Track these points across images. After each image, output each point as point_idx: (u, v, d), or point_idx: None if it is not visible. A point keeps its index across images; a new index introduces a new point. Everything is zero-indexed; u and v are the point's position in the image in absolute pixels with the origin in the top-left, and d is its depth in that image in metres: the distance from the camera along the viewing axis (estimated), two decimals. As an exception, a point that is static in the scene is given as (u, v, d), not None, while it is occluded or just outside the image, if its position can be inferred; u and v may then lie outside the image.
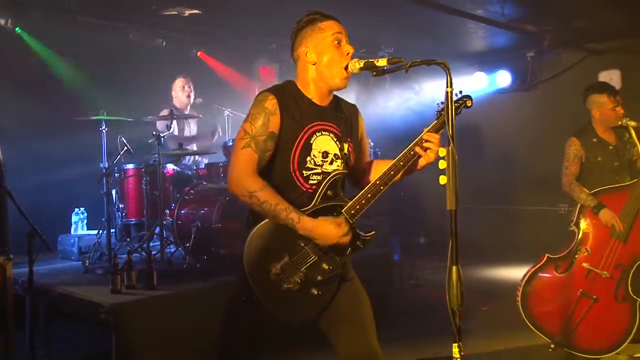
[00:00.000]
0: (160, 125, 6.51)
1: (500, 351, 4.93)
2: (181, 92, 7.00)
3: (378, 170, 2.80)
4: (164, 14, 6.85)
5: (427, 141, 2.59)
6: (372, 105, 9.12)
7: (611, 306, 4.40)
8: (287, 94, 2.63)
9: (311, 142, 2.63)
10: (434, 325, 4.75)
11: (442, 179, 2.18)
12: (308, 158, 2.62)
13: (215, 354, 2.72)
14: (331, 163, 2.67)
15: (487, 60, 9.09)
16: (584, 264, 4.44)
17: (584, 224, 4.51)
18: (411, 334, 5.16)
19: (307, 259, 2.53)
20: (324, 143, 2.66)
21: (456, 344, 2.10)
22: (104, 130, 5.99)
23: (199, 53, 8.31)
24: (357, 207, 2.59)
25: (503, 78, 8.98)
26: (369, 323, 2.71)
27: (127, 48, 7.45)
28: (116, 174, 6.16)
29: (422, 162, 2.65)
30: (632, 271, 4.41)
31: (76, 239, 6.41)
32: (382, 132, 7.79)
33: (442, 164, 2.20)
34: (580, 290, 4.43)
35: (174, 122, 6.41)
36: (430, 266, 7.62)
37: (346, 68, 2.60)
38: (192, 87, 7.05)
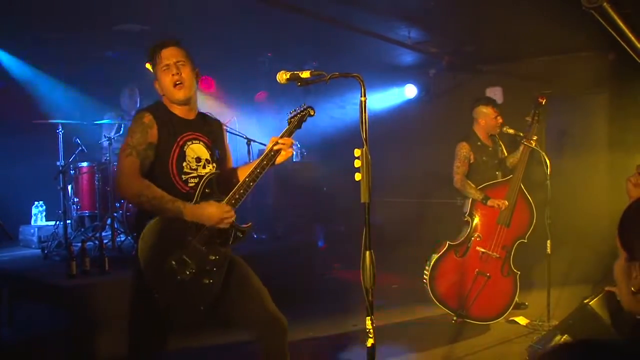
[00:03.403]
0: (109, 128, 6.47)
1: (407, 322, 5.06)
2: (129, 99, 6.99)
3: (243, 172, 2.85)
4: (117, 30, 6.78)
5: (282, 143, 2.74)
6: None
7: (499, 281, 4.67)
8: (161, 111, 2.69)
9: (185, 149, 2.67)
10: (352, 301, 4.90)
11: (357, 176, 2.22)
12: (184, 163, 2.65)
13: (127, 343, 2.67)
14: (204, 167, 2.71)
15: (397, 75, 9.17)
16: (478, 248, 4.67)
17: (476, 215, 4.72)
18: (332, 310, 5.21)
19: (195, 251, 2.52)
20: (196, 150, 2.71)
21: (369, 317, 2.16)
22: (60, 132, 5.92)
23: (147, 65, 8.20)
24: (233, 201, 2.62)
25: (410, 90, 9.09)
26: (263, 293, 2.73)
27: (83, 59, 7.35)
28: (72, 171, 6.13)
29: (280, 158, 2.77)
30: (513, 250, 4.70)
31: (36, 229, 6.35)
32: (310, 135, 7.95)
33: (357, 163, 2.22)
34: (477, 269, 4.63)
35: (122, 125, 6.41)
36: (348, 251, 7.64)
37: (175, 85, 2.65)
38: (138, 94, 7.05)
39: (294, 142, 2.83)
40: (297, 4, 5.44)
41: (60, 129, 5.93)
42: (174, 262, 2.47)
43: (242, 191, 2.65)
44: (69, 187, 6.11)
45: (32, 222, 6.74)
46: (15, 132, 6.59)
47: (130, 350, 2.67)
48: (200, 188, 2.64)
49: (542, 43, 7.12)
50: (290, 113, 2.90)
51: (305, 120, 2.91)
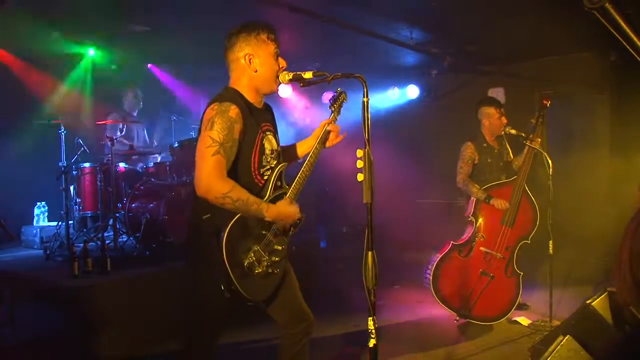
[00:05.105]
0: (112, 128, 6.48)
1: (409, 322, 5.07)
2: (133, 99, 6.99)
3: (301, 150, 2.96)
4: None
5: (331, 131, 2.85)
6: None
7: (503, 281, 4.67)
8: (240, 101, 2.53)
9: (264, 142, 2.61)
10: (354, 301, 4.99)
11: (360, 177, 2.20)
12: (263, 157, 2.61)
13: (184, 333, 2.70)
14: (275, 158, 2.68)
15: (399, 76, 9.19)
16: (482, 248, 4.66)
17: (480, 215, 4.72)
18: (335, 310, 5.21)
19: (268, 243, 2.56)
20: (271, 141, 2.66)
21: (371, 318, 2.14)
22: (62, 133, 5.94)
23: (149, 65, 8.21)
24: (294, 192, 2.64)
25: (412, 91, 9.11)
26: (299, 293, 2.83)
27: (85, 60, 7.36)
28: (74, 172, 6.11)
29: (329, 143, 2.88)
30: (517, 250, 4.70)
31: (38, 229, 6.35)
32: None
33: (360, 164, 2.20)
34: (481, 269, 4.63)
35: (125, 126, 6.41)
36: (351, 252, 7.66)
37: (278, 77, 2.62)
38: (141, 95, 7.05)
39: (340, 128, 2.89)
40: (298, 5, 5.44)
41: (62, 130, 5.94)
42: (253, 257, 2.49)
43: (301, 181, 2.68)
44: (71, 188, 6.10)
45: (35, 223, 6.73)
46: (17, 132, 6.59)
47: (195, 347, 2.69)
48: (272, 181, 2.63)
49: (543, 44, 7.12)
50: (330, 101, 2.91)
51: (342, 106, 2.95)
